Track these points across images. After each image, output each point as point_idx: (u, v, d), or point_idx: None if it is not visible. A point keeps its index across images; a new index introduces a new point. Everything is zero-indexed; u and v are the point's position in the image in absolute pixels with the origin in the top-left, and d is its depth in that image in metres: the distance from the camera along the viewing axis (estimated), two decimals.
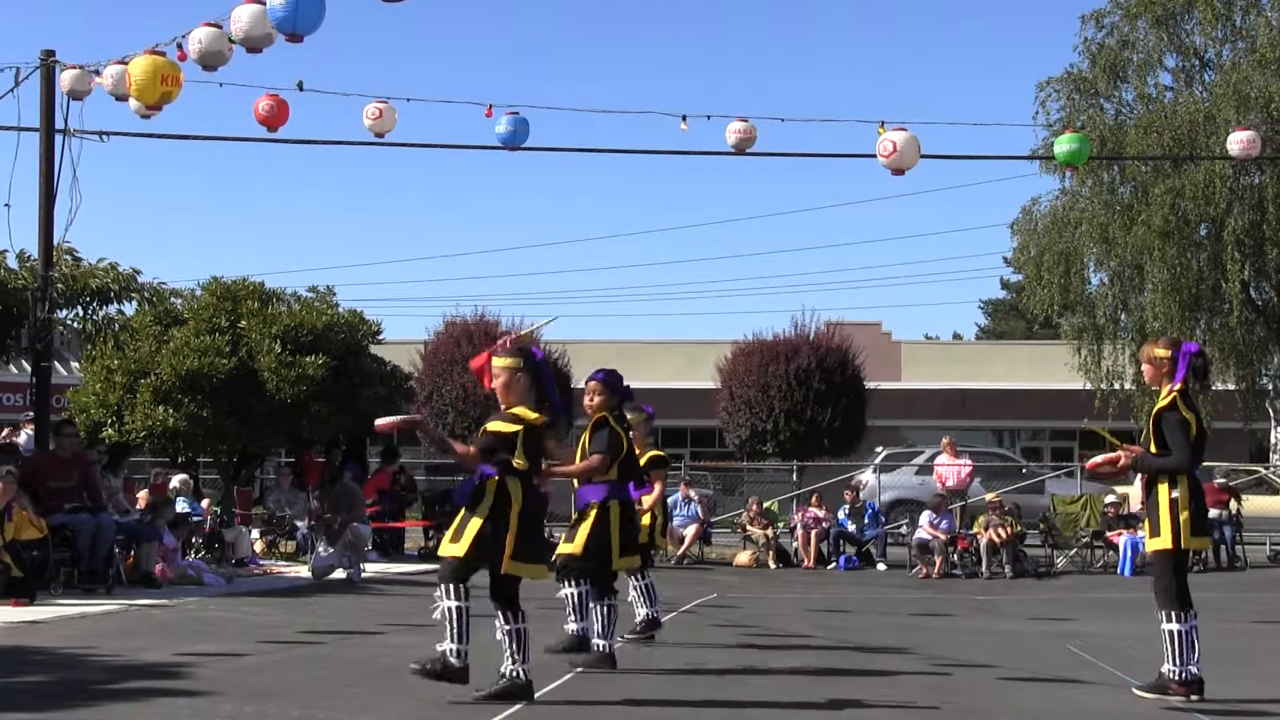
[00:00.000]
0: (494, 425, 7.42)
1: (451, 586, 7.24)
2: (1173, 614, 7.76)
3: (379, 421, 7.67)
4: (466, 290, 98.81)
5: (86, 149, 18.76)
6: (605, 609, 8.98)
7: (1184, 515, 7.74)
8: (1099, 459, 8.28)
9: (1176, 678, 7.75)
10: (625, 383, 9.33)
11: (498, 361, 7.63)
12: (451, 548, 7.30)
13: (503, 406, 7.54)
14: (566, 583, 9.06)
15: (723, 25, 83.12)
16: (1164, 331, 29.60)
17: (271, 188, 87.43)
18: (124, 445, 18.57)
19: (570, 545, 9.01)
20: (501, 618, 7.35)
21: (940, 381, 40.94)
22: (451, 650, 7.24)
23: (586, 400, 9.22)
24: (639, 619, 10.24)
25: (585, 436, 9.13)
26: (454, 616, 7.22)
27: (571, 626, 9.15)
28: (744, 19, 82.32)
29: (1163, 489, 7.83)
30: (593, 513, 8.96)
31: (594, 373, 9.41)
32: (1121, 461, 8.05)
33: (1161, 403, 7.92)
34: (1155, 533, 7.88)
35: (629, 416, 9.59)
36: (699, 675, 8.74)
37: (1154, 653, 8.09)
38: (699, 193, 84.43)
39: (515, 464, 7.29)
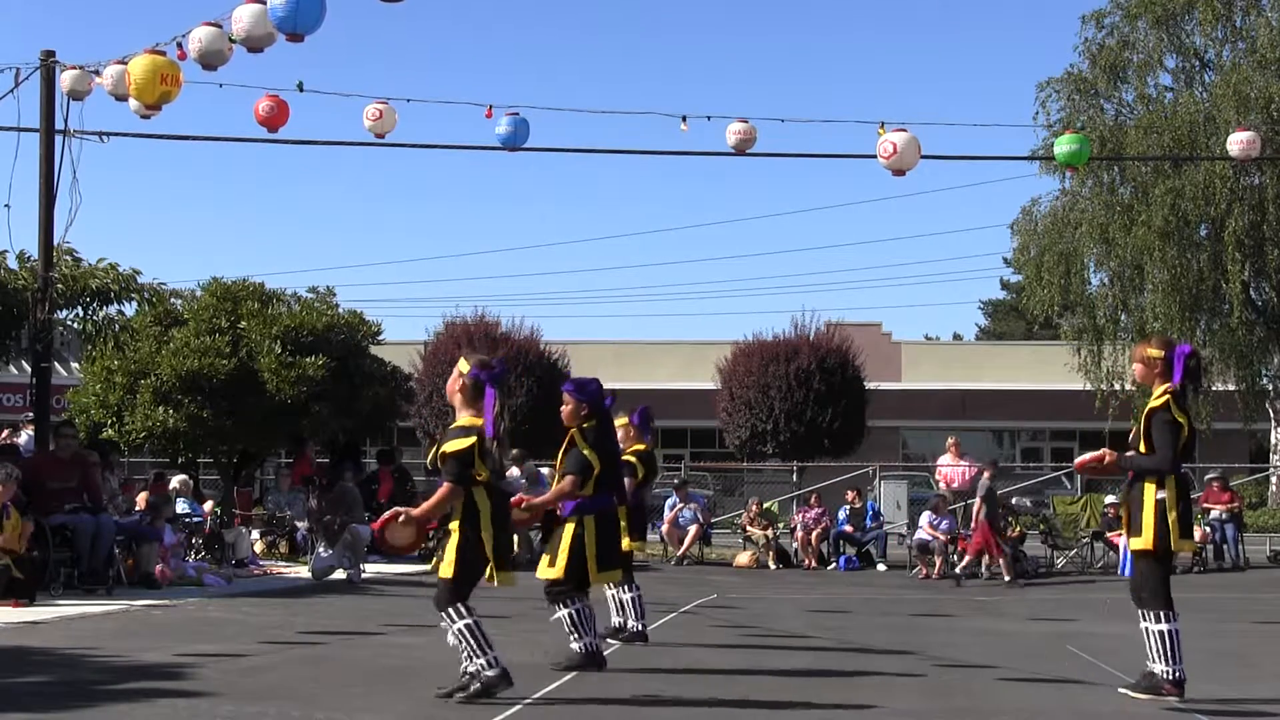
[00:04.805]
0: (449, 445, 7.34)
1: (452, 609, 7.25)
2: (1161, 614, 7.73)
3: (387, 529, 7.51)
4: (466, 290, 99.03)
5: (86, 149, 18.70)
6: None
7: (1172, 516, 7.70)
8: (1086, 456, 8.30)
9: (1170, 678, 7.74)
10: (601, 388, 9.11)
11: (460, 364, 7.63)
12: (443, 571, 7.34)
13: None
14: (559, 605, 8.82)
15: (723, 26, 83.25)
16: (1164, 332, 29.60)
17: (271, 188, 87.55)
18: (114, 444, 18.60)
19: (552, 570, 8.81)
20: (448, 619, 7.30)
21: (940, 382, 40.96)
22: (483, 664, 7.22)
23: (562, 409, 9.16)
24: (625, 630, 10.16)
25: (560, 456, 9.06)
26: (469, 634, 7.22)
27: (576, 646, 8.78)
28: (744, 20, 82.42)
29: (1149, 488, 7.78)
30: (567, 530, 8.82)
31: (564, 384, 9.39)
32: (1107, 459, 8.07)
33: (1154, 402, 7.88)
34: (1137, 532, 7.82)
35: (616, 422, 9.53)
36: (699, 675, 8.74)
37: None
38: (699, 193, 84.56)
39: (477, 476, 7.29)
